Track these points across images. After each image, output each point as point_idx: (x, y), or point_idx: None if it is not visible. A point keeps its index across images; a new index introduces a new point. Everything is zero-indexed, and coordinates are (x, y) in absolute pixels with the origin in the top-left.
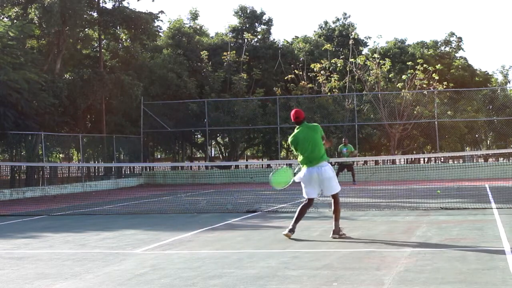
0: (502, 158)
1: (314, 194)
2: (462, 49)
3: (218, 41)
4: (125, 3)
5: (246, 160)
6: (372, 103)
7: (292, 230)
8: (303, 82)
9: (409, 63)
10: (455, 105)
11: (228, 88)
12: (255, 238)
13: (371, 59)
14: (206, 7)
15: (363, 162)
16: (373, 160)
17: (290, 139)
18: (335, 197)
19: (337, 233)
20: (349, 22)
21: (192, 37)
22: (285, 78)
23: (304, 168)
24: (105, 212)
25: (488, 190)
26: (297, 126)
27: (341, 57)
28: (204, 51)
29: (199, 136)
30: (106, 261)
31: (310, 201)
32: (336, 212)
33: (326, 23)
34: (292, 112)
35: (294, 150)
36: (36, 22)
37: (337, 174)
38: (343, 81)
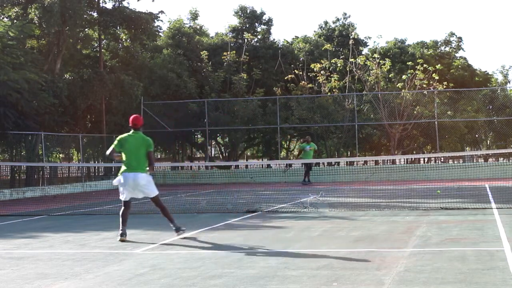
0: (502, 158)
1: (129, 196)
2: (462, 49)
3: (218, 41)
4: (125, 3)
5: (246, 160)
6: (372, 103)
7: (123, 234)
8: (303, 82)
9: (409, 63)
10: (455, 105)
11: (228, 88)
12: (255, 238)
13: (371, 59)
14: (206, 7)
15: (363, 162)
16: (373, 160)
17: (119, 138)
18: (156, 200)
19: (179, 229)
20: (349, 22)
21: (192, 37)
22: (285, 78)
23: (121, 174)
24: (105, 212)
25: (488, 190)
26: (132, 131)
27: (341, 57)
28: (204, 51)
29: (199, 136)
30: (106, 261)
31: (126, 204)
32: (165, 213)
33: (326, 23)
34: (132, 117)
35: (117, 148)
36: (36, 22)
37: (307, 174)
38: (343, 81)
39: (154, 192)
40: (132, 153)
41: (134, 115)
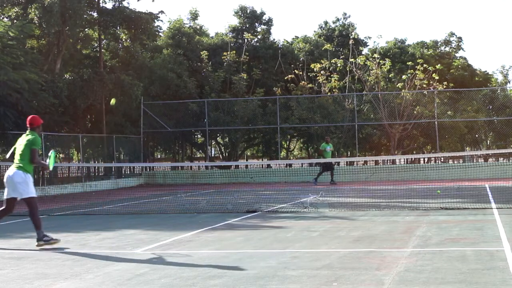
0: (502, 158)
1: (8, 195)
2: (462, 49)
3: (218, 41)
4: (125, 3)
5: (246, 160)
6: (372, 103)
7: None
8: (303, 82)
9: (409, 63)
10: (455, 105)
11: (228, 88)
12: (255, 238)
13: (371, 59)
14: (206, 7)
15: (363, 162)
16: (373, 160)
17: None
18: (28, 202)
19: (41, 239)
20: (349, 22)
21: (192, 37)
22: (285, 78)
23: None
24: (105, 212)
25: (488, 190)
26: (27, 131)
27: (341, 57)
28: (204, 51)
29: (199, 136)
30: (106, 261)
31: (6, 204)
32: (34, 217)
33: (326, 23)
34: (29, 117)
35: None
36: (36, 22)
37: (319, 175)
38: (343, 81)
39: (27, 193)
40: (16, 152)
41: (31, 116)
